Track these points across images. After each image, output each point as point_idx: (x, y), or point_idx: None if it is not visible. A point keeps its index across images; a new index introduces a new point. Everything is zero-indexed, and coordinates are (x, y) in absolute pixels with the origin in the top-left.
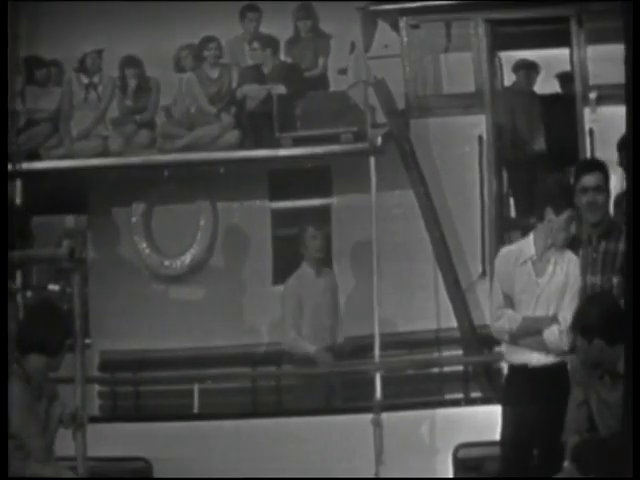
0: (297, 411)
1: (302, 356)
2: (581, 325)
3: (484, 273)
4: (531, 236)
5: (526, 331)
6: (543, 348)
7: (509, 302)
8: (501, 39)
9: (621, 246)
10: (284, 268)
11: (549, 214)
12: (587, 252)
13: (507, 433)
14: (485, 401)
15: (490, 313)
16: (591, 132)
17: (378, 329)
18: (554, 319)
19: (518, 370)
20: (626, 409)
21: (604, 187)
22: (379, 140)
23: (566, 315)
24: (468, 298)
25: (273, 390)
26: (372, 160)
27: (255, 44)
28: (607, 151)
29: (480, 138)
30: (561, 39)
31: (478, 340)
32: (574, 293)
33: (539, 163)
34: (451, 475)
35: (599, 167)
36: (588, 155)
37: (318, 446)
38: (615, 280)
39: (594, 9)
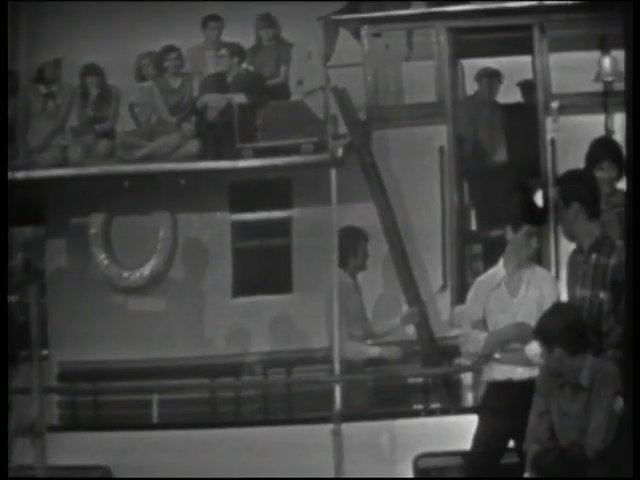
0: (256, 421)
1: (365, 361)
2: (542, 334)
3: (445, 286)
4: (501, 260)
5: (494, 345)
6: (526, 362)
7: (480, 326)
8: (463, 47)
9: (612, 260)
10: (244, 280)
11: (509, 233)
12: (578, 264)
13: (480, 443)
14: (445, 412)
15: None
16: (553, 142)
17: (338, 342)
18: (520, 325)
19: (499, 384)
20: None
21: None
22: (340, 151)
23: None
24: (428, 311)
25: (232, 401)
26: (333, 172)
27: (223, 51)
28: (569, 162)
29: (441, 149)
30: (524, 47)
31: (438, 352)
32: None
33: (500, 175)
34: None
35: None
36: (549, 166)
37: (277, 456)
38: (603, 295)
39: (557, 17)
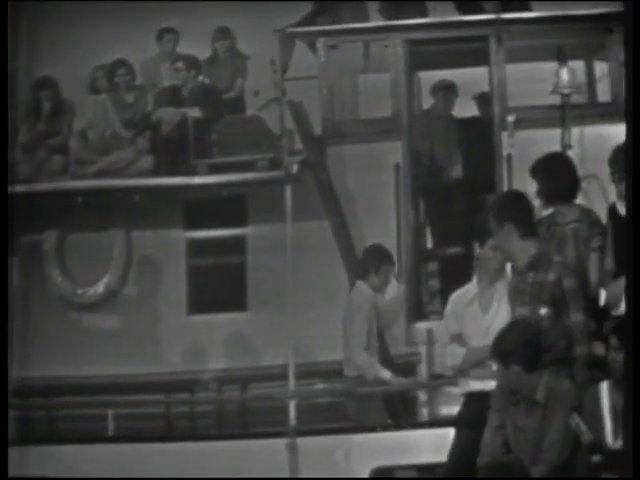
0: (211, 436)
1: (375, 380)
2: (499, 350)
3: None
4: (475, 276)
5: (472, 361)
6: (489, 377)
7: (458, 340)
8: (420, 59)
9: (550, 276)
10: (199, 298)
11: (476, 249)
12: (516, 283)
13: (456, 455)
14: (401, 427)
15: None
16: (509, 158)
17: (293, 359)
18: None
19: (473, 397)
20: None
21: None
22: (295, 168)
23: None
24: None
25: (187, 416)
26: (288, 189)
27: (179, 64)
28: (525, 178)
29: (397, 166)
30: (481, 58)
31: (394, 369)
32: None
33: (456, 192)
34: None
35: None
36: (505, 183)
37: (232, 470)
38: (543, 311)
39: (514, 29)
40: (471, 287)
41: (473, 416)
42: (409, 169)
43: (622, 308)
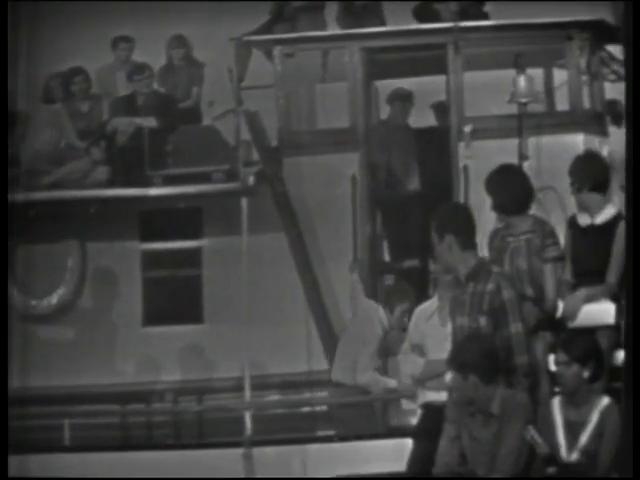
0: (168, 445)
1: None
2: (458, 361)
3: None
4: (437, 290)
5: (430, 373)
6: (446, 389)
7: (419, 350)
8: (377, 67)
9: (489, 287)
10: (154, 310)
11: (431, 265)
12: (457, 295)
13: (415, 466)
14: (358, 437)
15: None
16: (465, 169)
17: (249, 371)
18: None
19: (430, 408)
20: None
21: None
22: (251, 180)
23: None
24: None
25: (144, 425)
26: (244, 201)
27: (136, 75)
28: (482, 189)
29: (354, 178)
30: (438, 66)
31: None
32: None
33: (413, 204)
34: None
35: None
36: (462, 194)
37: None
38: (482, 321)
39: (472, 36)
40: (433, 301)
41: (430, 427)
42: (366, 181)
43: (578, 320)
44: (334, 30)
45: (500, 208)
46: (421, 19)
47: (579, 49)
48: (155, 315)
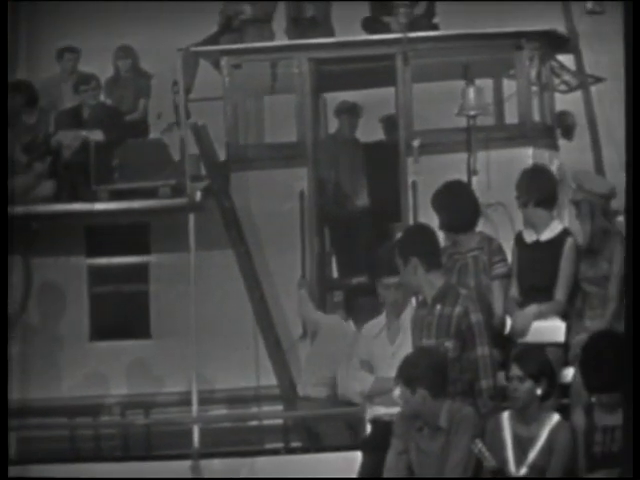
0: (116, 457)
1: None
2: (407, 375)
3: (305, 334)
4: (385, 308)
5: (378, 390)
6: (394, 404)
7: (367, 366)
8: (326, 79)
9: (457, 310)
10: (101, 325)
11: (378, 286)
12: (422, 316)
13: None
14: (305, 450)
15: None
16: (414, 185)
17: (197, 385)
18: None
19: (379, 423)
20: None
21: None
22: (198, 195)
23: None
24: (289, 357)
25: (92, 438)
26: (191, 217)
27: (83, 86)
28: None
29: (302, 194)
30: (387, 78)
31: (298, 397)
32: None
33: (362, 220)
34: None
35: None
36: (410, 211)
37: None
38: (449, 343)
39: (421, 47)
40: (381, 318)
41: (378, 441)
42: (314, 197)
43: (527, 337)
44: (282, 41)
45: (446, 226)
46: (370, 31)
47: (529, 59)
48: (102, 330)
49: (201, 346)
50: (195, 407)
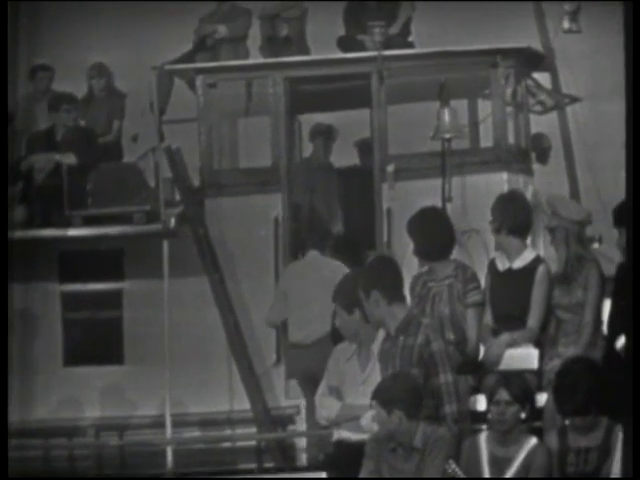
0: (92, 478)
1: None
2: (383, 396)
3: (278, 361)
4: None
5: (346, 417)
6: (360, 430)
7: (335, 392)
8: (301, 100)
9: (418, 339)
10: (75, 350)
11: (336, 320)
12: (387, 349)
13: None
14: (279, 470)
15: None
16: (389, 212)
17: (170, 408)
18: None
19: (344, 445)
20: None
21: None
22: (173, 222)
23: None
24: (262, 382)
25: (66, 459)
26: (165, 244)
27: (65, 105)
28: (405, 233)
29: (276, 220)
30: (362, 99)
31: (272, 420)
32: None
33: (337, 247)
34: None
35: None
36: (385, 238)
37: None
38: (413, 372)
39: (395, 65)
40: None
41: (343, 463)
42: (289, 223)
43: (501, 365)
44: (257, 60)
45: (421, 254)
46: (345, 49)
47: (504, 77)
48: (76, 356)
49: (174, 371)
50: (169, 429)
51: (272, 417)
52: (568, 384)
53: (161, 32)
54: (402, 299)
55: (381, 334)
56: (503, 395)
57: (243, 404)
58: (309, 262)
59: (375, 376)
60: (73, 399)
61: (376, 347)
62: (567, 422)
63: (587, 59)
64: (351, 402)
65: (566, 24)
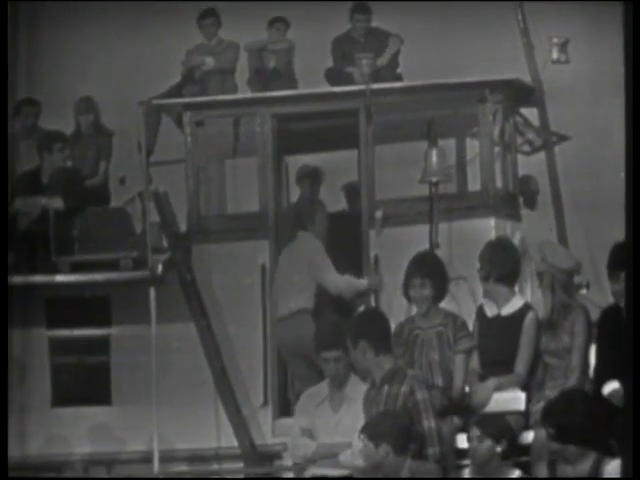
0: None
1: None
2: (371, 431)
3: (266, 402)
4: (326, 379)
5: (322, 455)
6: (338, 467)
7: (308, 434)
8: (289, 139)
9: (403, 388)
10: (62, 393)
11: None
12: (372, 398)
13: None
14: None
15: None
16: (376, 260)
17: (157, 444)
18: (349, 444)
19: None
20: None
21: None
22: (160, 268)
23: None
24: (249, 422)
25: None
26: (152, 291)
27: (58, 144)
28: (394, 280)
29: (263, 267)
30: (350, 140)
31: (259, 456)
32: None
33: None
34: None
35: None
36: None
37: None
38: None
39: (383, 100)
40: (322, 388)
41: None
42: (275, 270)
43: (488, 407)
44: (245, 94)
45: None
46: (333, 81)
47: (492, 114)
48: (64, 397)
49: (162, 411)
50: (156, 464)
51: (259, 453)
52: (562, 407)
53: (148, 64)
54: (389, 350)
55: (355, 378)
56: (475, 431)
57: (230, 441)
58: (297, 242)
59: (348, 418)
60: (61, 437)
61: (349, 390)
62: (555, 450)
63: (575, 93)
64: (327, 441)
65: (555, 54)
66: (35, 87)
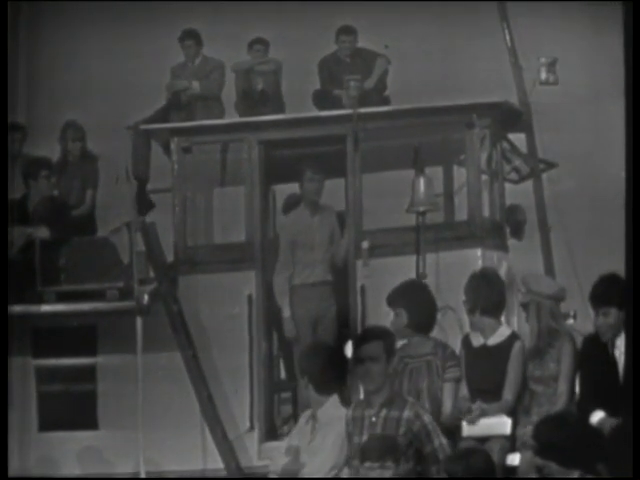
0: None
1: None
2: (377, 447)
3: (252, 428)
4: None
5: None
6: None
7: (294, 452)
8: (276, 168)
9: (405, 414)
10: (49, 420)
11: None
12: (364, 417)
13: None
14: None
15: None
16: (363, 290)
17: (144, 466)
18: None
19: None
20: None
21: (380, 356)
22: (146, 299)
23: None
24: (236, 445)
25: None
26: (139, 321)
27: (43, 171)
28: (379, 311)
29: (250, 298)
30: (337, 168)
31: (245, 477)
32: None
33: None
34: None
35: (376, 336)
36: (359, 317)
37: None
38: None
39: (371, 126)
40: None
41: None
42: (262, 300)
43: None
44: (233, 118)
45: (414, 325)
46: (321, 104)
47: (480, 140)
48: (50, 422)
49: (149, 436)
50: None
51: (245, 475)
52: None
53: (135, 89)
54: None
55: (331, 401)
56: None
57: (217, 463)
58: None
59: (319, 439)
60: (50, 459)
61: (322, 414)
62: (539, 465)
63: (564, 118)
64: (304, 461)
65: (543, 75)
66: (16, 112)
